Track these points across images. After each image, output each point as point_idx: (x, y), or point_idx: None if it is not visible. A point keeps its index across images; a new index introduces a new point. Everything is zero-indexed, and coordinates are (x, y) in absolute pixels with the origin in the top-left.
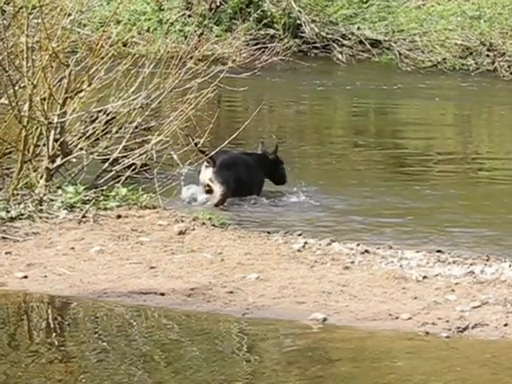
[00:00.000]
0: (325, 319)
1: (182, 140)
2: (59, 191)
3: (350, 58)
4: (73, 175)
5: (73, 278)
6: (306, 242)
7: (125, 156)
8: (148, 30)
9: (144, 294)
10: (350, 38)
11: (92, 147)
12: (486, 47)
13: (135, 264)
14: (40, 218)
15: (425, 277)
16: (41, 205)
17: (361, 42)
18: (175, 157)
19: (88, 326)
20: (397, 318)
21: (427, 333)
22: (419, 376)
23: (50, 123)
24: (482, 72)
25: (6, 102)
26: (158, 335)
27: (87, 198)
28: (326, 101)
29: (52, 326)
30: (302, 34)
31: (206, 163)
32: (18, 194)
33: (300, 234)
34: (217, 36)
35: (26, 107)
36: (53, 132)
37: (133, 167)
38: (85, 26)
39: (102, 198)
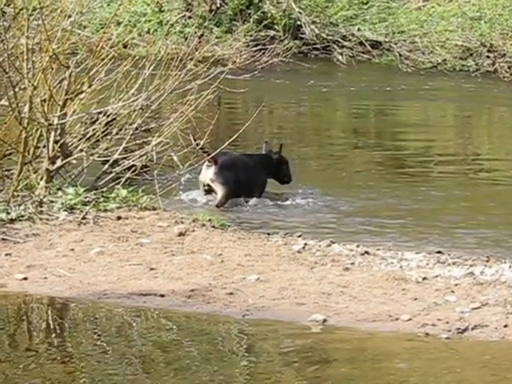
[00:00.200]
0: (325, 320)
1: (182, 141)
2: (59, 193)
3: (350, 59)
4: (73, 177)
5: (73, 280)
6: (305, 244)
7: (125, 157)
8: (148, 32)
9: (144, 296)
10: (350, 40)
11: (92, 149)
12: (487, 48)
13: (135, 265)
14: (40, 219)
15: (425, 278)
16: (41, 206)
17: (361, 43)
18: (175, 158)
19: (88, 328)
20: (397, 319)
21: (427, 334)
22: (419, 377)
23: (50, 125)
24: (483, 73)
25: (7, 103)
26: (158, 336)
27: (87, 199)
28: (326, 102)
29: (52, 327)
30: (303, 36)
31: (207, 163)
32: (18, 196)
33: (300, 236)
34: (217, 37)
35: (26, 109)
36: (53, 133)
37: (133, 169)
38: (85, 27)
39: (102, 199)
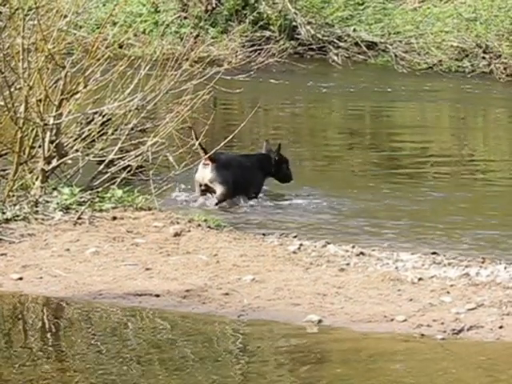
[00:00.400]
0: (320, 321)
1: (178, 142)
2: (55, 193)
3: (345, 59)
4: (68, 177)
5: (68, 280)
6: (301, 244)
7: (120, 158)
8: (144, 32)
9: (139, 296)
10: (345, 40)
11: (88, 149)
12: (482, 49)
13: (131, 265)
14: (35, 219)
15: (420, 279)
16: (36, 206)
17: (357, 43)
18: (171, 158)
19: (83, 328)
20: (392, 319)
21: (422, 335)
22: (414, 378)
23: (45, 125)
24: (478, 74)
25: (2, 103)
26: (153, 337)
27: (83, 199)
28: (321, 103)
29: (47, 327)
30: (298, 36)
31: (203, 162)
32: (13, 196)
33: (295, 236)
34: (212, 38)
35: (21, 109)
36: (48, 133)
37: (128, 169)
38: (81, 27)
39: (97, 199)
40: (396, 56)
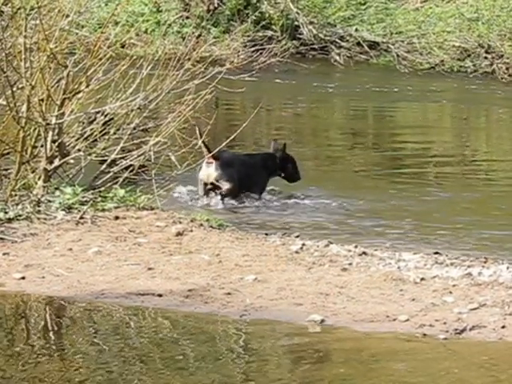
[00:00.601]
0: (322, 321)
1: (180, 141)
2: (57, 192)
3: (347, 59)
4: (71, 176)
5: (70, 279)
6: (303, 244)
7: (123, 157)
8: (146, 32)
9: (142, 296)
10: (347, 40)
11: (90, 148)
12: (484, 49)
13: (133, 265)
14: (38, 219)
15: (422, 279)
16: (39, 206)
17: (359, 43)
18: (173, 158)
19: (85, 327)
20: (394, 319)
21: (425, 334)
22: (417, 378)
23: (47, 124)
24: (480, 74)
25: (4, 103)
26: (156, 336)
27: (85, 199)
28: (323, 103)
29: (49, 327)
30: (300, 36)
31: (207, 160)
32: (15, 195)
33: (298, 236)
34: (214, 37)
35: (23, 108)
36: (51, 133)
37: (131, 168)
38: (83, 27)
39: (99, 199)
40: (398, 56)
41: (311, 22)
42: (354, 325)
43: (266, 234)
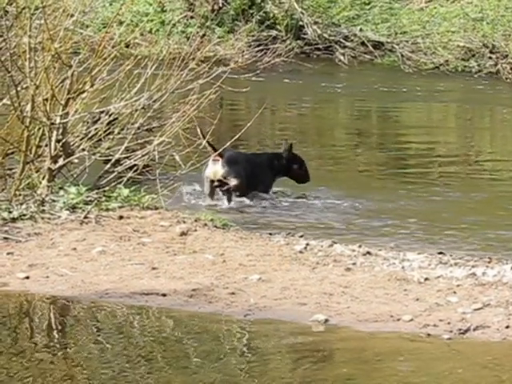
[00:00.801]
0: (326, 320)
1: (184, 141)
2: (61, 192)
3: (352, 59)
4: (75, 176)
5: (75, 279)
6: (307, 244)
7: (127, 157)
8: (150, 31)
9: (146, 295)
10: (352, 40)
11: (94, 148)
12: (489, 49)
13: (137, 265)
14: (42, 218)
15: (426, 278)
16: (43, 205)
17: (363, 43)
18: (177, 158)
19: (89, 327)
20: (398, 319)
21: (429, 334)
22: (421, 378)
23: (52, 124)
24: (485, 74)
25: (9, 102)
26: (160, 336)
27: (89, 198)
28: (328, 103)
29: (53, 326)
30: (305, 36)
31: (213, 158)
32: (20, 195)
33: (302, 236)
34: (219, 37)
35: (28, 108)
36: (55, 133)
37: (135, 168)
38: (87, 26)
39: (103, 198)
40: (402, 56)
41: (316, 22)
42: (357, 324)
43: (270, 234)
